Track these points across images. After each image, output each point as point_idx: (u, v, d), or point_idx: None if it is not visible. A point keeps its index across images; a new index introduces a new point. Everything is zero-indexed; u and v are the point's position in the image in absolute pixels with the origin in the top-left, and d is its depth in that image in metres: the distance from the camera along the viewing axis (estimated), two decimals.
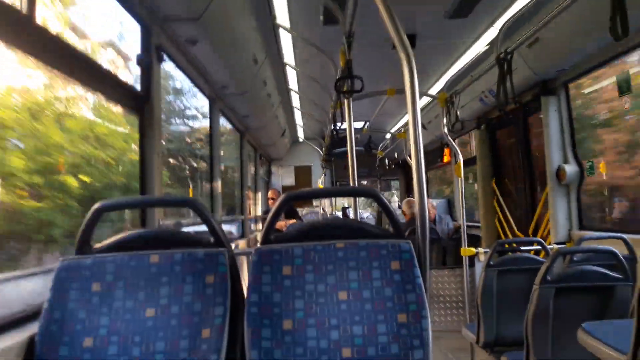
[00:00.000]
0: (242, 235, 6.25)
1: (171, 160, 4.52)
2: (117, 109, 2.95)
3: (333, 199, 9.40)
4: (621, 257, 2.14)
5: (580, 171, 3.76)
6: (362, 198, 8.55)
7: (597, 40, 2.99)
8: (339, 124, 4.38)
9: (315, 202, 9.12)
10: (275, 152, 8.90)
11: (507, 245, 3.71)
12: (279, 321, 1.53)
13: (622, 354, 1.27)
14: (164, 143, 3.31)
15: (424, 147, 1.71)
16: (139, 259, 1.61)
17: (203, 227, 1.73)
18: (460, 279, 4.64)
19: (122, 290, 1.56)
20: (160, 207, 2.75)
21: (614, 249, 2.16)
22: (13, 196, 2.10)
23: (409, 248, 1.62)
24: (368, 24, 3.30)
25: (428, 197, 6.05)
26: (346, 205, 10.41)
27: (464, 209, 4.12)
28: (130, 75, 2.87)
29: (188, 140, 5.37)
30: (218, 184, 4.42)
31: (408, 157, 6.56)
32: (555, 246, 3.38)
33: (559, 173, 3.80)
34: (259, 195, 8.35)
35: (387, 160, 10.21)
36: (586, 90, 3.84)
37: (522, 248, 3.50)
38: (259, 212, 8.06)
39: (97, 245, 1.69)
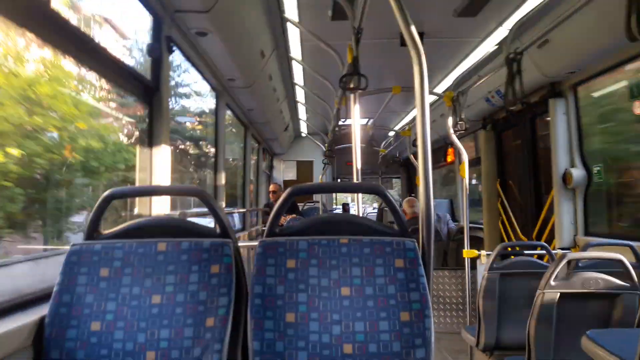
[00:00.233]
0: (243, 228, 6.26)
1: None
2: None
3: (333, 194, 9.40)
4: (628, 265, 2.12)
5: (587, 176, 3.73)
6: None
7: (608, 42, 2.96)
8: (343, 119, 4.37)
9: (315, 197, 9.12)
10: (278, 146, 8.90)
11: (510, 249, 3.70)
12: (282, 314, 1.55)
13: None
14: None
15: None
16: (146, 246, 1.63)
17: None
18: (461, 281, 4.64)
19: (130, 277, 1.59)
20: (169, 195, 2.77)
21: (622, 257, 2.14)
22: None
23: (413, 246, 1.62)
24: (375, 20, 3.29)
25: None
26: (347, 202, 10.42)
27: (467, 210, 4.11)
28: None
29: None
30: (222, 176, 4.42)
31: (411, 156, 6.55)
32: (560, 251, 3.37)
33: (566, 177, 3.78)
34: (261, 188, 8.36)
35: (389, 159, 10.20)
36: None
37: (526, 252, 3.49)
38: (261, 205, 8.07)
39: (107, 232, 1.73)
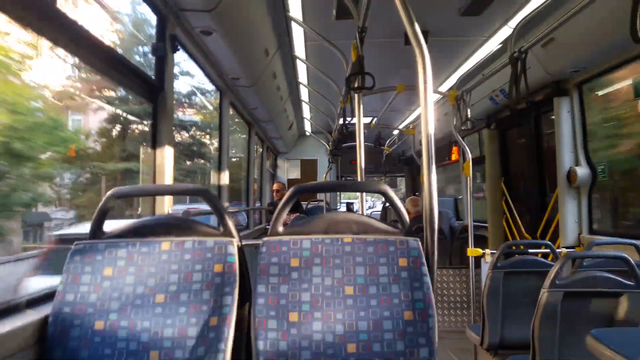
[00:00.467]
0: (247, 227, 6.27)
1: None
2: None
3: (337, 193, 9.39)
4: (633, 264, 2.11)
5: (592, 174, 3.72)
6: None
7: (614, 41, 2.95)
8: (348, 118, 4.38)
9: (319, 196, 9.13)
10: (282, 145, 8.91)
11: (514, 247, 3.69)
12: (285, 313, 1.55)
13: None
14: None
15: None
16: (150, 245, 1.64)
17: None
18: (465, 279, 4.63)
19: (133, 276, 1.60)
20: (174, 195, 2.78)
21: (626, 255, 2.13)
22: None
23: (417, 246, 1.62)
24: (379, 19, 3.29)
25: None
26: (350, 200, 10.42)
27: (472, 209, 4.11)
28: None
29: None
30: (226, 175, 4.43)
31: (415, 154, 6.55)
32: (564, 250, 3.36)
33: (570, 175, 3.76)
34: (265, 187, 8.37)
35: (393, 157, 10.19)
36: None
37: (530, 250, 3.48)
38: (264, 204, 8.09)
39: (110, 231, 1.73)
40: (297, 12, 3.70)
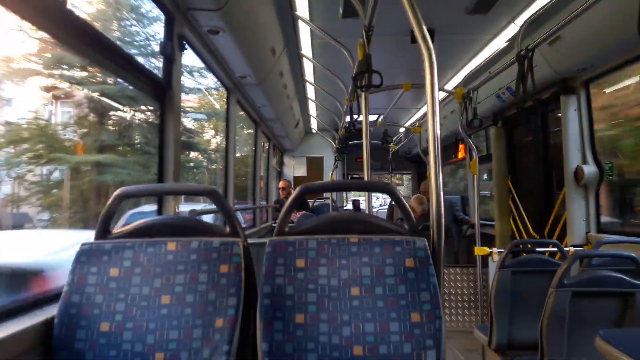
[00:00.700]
0: (254, 225, 6.29)
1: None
2: None
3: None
4: None
5: (600, 172, 3.70)
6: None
7: (621, 39, 2.93)
8: (355, 116, 4.39)
9: (325, 194, 9.12)
10: (288, 142, 8.92)
11: (522, 246, 3.67)
12: (291, 314, 1.54)
13: None
14: None
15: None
16: (156, 245, 1.64)
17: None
18: (473, 279, 4.62)
19: (139, 277, 1.60)
20: (180, 195, 2.79)
21: (635, 255, 2.11)
22: None
23: (423, 246, 1.61)
24: (386, 17, 3.28)
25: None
26: (357, 198, 10.41)
27: (478, 207, 4.10)
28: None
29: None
30: (232, 174, 4.45)
31: (421, 152, 6.54)
32: (572, 249, 3.35)
33: (577, 174, 3.74)
34: (271, 185, 8.39)
35: (399, 155, 10.17)
36: None
37: (538, 249, 3.47)
38: (271, 202, 8.11)
39: (117, 231, 1.73)
40: (304, 10, 3.71)
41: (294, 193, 1.73)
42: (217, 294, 1.56)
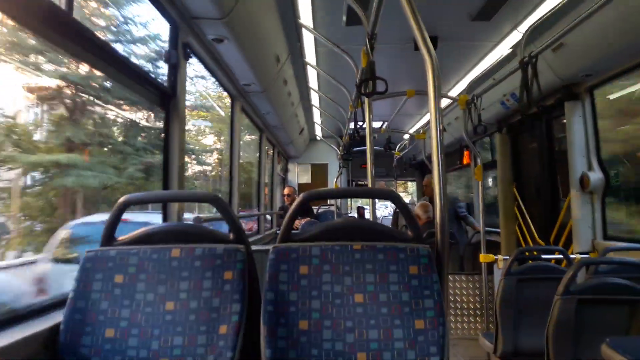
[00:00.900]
0: (258, 231, 6.30)
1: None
2: None
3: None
4: None
5: (605, 179, 3.67)
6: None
7: (624, 45, 2.93)
8: (359, 123, 4.40)
9: (330, 201, 9.13)
10: (293, 149, 8.94)
11: (527, 253, 3.65)
12: (294, 321, 1.53)
13: None
14: None
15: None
16: (160, 252, 1.64)
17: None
18: (478, 286, 4.59)
19: (144, 283, 1.60)
20: (184, 202, 2.80)
21: None
22: None
23: (427, 253, 1.60)
24: (389, 24, 3.30)
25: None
26: (361, 205, 10.40)
27: (484, 214, 4.08)
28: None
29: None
30: (236, 181, 4.46)
31: (426, 159, 6.53)
32: (578, 256, 3.32)
33: (583, 180, 3.71)
34: (276, 192, 8.39)
35: (404, 161, 10.17)
36: None
37: (543, 257, 3.44)
38: (275, 209, 8.12)
39: (121, 238, 1.74)
40: (308, 18, 3.74)
41: (297, 200, 1.73)
42: (221, 300, 1.56)
